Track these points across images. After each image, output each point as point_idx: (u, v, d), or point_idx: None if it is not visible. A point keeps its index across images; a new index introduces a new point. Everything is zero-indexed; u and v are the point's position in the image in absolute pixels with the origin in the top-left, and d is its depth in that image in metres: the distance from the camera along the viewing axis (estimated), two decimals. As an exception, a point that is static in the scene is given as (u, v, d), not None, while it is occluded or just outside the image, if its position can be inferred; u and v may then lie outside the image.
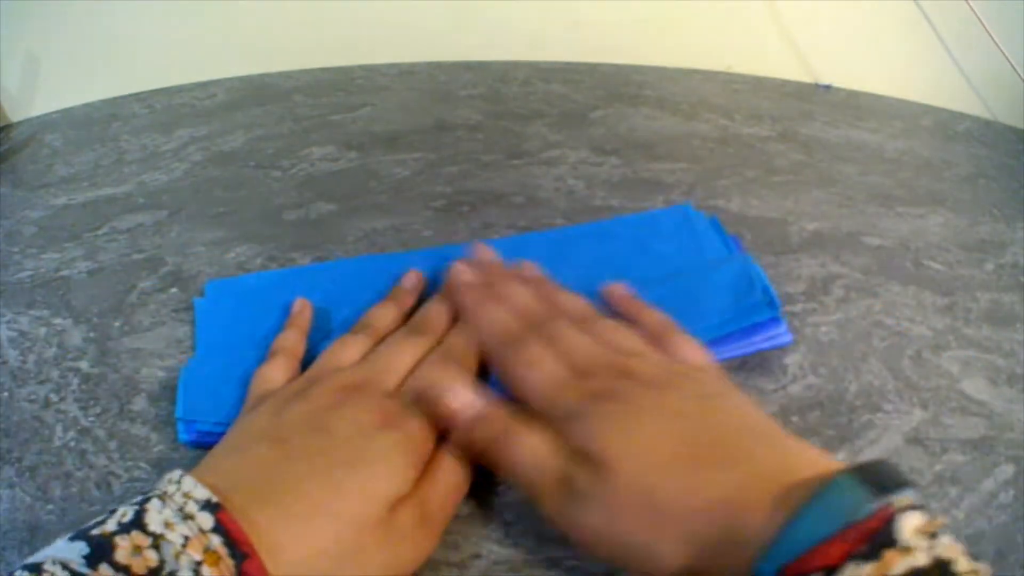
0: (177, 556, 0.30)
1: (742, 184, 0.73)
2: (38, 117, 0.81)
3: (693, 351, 0.46)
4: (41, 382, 0.50)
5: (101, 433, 0.47)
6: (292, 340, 0.50)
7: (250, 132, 0.78)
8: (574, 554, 0.42)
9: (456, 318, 0.50)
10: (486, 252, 0.57)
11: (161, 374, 0.52)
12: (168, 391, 0.50)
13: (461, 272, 0.52)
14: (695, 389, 0.40)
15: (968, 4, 0.80)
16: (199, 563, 0.30)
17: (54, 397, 0.50)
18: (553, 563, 0.42)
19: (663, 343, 0.46)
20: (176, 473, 0.34)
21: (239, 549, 0.30)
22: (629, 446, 0.36)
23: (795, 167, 0.77)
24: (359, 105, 0.84)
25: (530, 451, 0.39)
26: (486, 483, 0.45)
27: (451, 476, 0.41)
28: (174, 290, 0.58)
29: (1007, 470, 0.47)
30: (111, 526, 0.31)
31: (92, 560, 0.29)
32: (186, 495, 0.32)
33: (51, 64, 0.81)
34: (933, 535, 0.28)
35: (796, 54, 0.92)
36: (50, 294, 0.58)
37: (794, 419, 0.50)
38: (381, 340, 0.49)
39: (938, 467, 0.47)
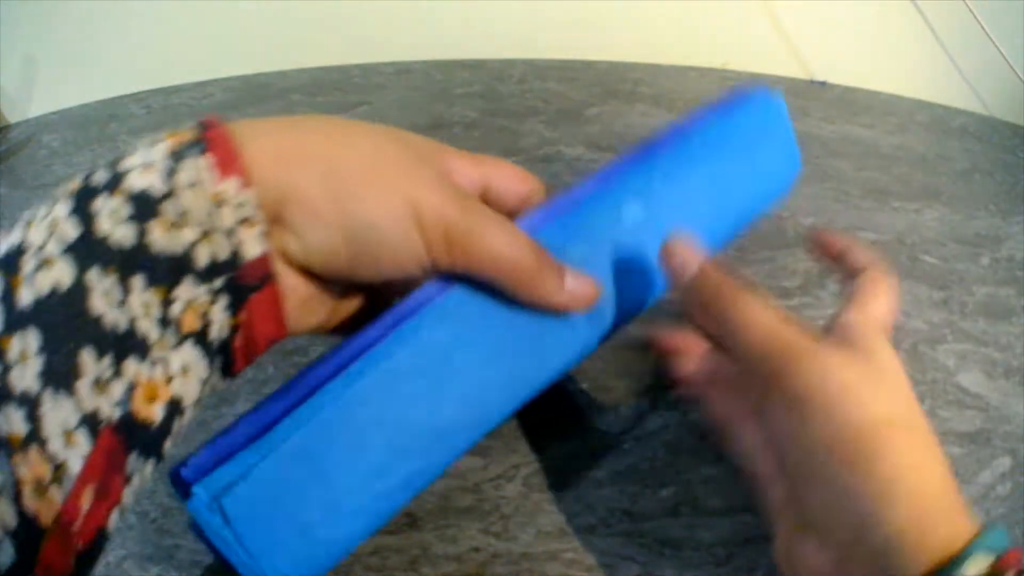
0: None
1: (738, 180, 0.73)
2: (36, 118, 0.81)
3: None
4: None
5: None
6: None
7: (247, 131, 0.78)
8: (572, 547, 0.42)
9: None
10: None
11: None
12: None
13: None
14: None
15: (964, 0, 0.80)
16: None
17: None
18: (551, 556, 0.42)
19: None
20: None
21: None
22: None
23: (791, 163, 0.77)
24: (356, 104, 0.84)
25: (759, 307, 0.37)
26: (485, 477, 0.45)
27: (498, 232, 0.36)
28: (172, 289, 0.58)
29: (1004, 463, 0.48)
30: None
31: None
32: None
33: (48, 65, 0.81)
34: None
35: (791, 51, 0.92)
36: (49, 293, 0.58)
37: (791, 413, 0.50)
38: None
39: (934, 459, 0.47)
